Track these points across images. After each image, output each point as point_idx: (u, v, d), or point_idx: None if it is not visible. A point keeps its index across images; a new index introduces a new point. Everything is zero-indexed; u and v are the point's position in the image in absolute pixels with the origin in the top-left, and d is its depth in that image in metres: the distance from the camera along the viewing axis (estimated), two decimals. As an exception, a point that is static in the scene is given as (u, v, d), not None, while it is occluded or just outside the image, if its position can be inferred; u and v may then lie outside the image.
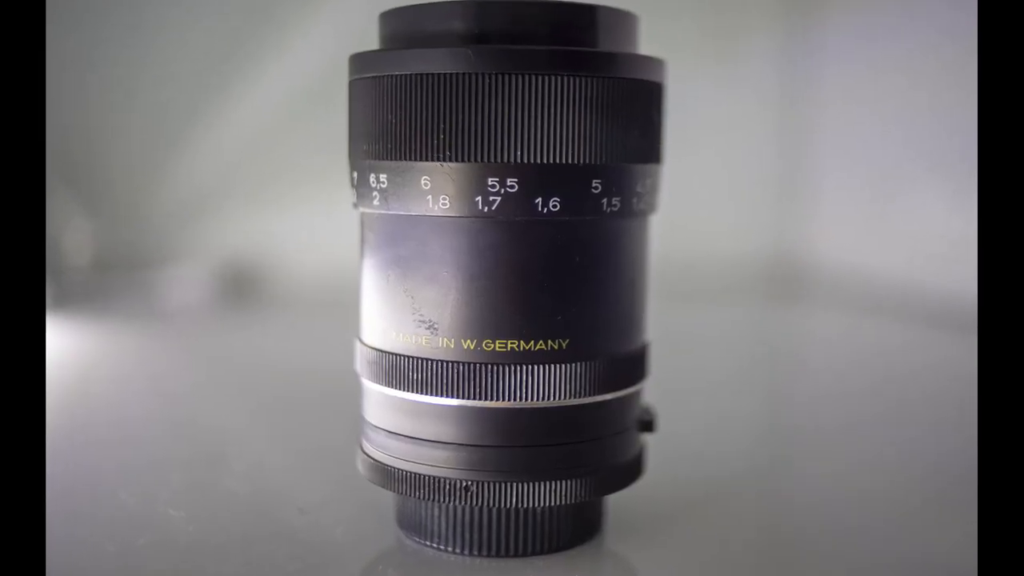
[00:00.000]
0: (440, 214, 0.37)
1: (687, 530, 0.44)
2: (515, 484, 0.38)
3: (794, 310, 1.07)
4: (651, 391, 0.44)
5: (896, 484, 0.51)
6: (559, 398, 0.38)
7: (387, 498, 0.44)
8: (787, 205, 1.19)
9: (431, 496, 0.39)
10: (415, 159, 0.37)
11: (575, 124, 0.37)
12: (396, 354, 0.39)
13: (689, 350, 0.84)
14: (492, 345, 0.38)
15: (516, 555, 0.40)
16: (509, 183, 0.36)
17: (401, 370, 0.39)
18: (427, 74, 0.36)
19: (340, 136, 0.47)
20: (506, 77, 0.36)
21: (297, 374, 0.73)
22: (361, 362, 0.41)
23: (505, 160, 0.36)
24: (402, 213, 0.38)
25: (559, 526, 0.40)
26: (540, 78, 0.36)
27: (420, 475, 0.39)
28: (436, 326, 0.38)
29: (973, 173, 0.83)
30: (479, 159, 0.36)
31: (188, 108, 1.08)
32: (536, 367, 0.38)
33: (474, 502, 0.38)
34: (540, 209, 0.37)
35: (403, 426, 0.39)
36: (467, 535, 0.40)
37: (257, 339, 0.89)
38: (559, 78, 0.36)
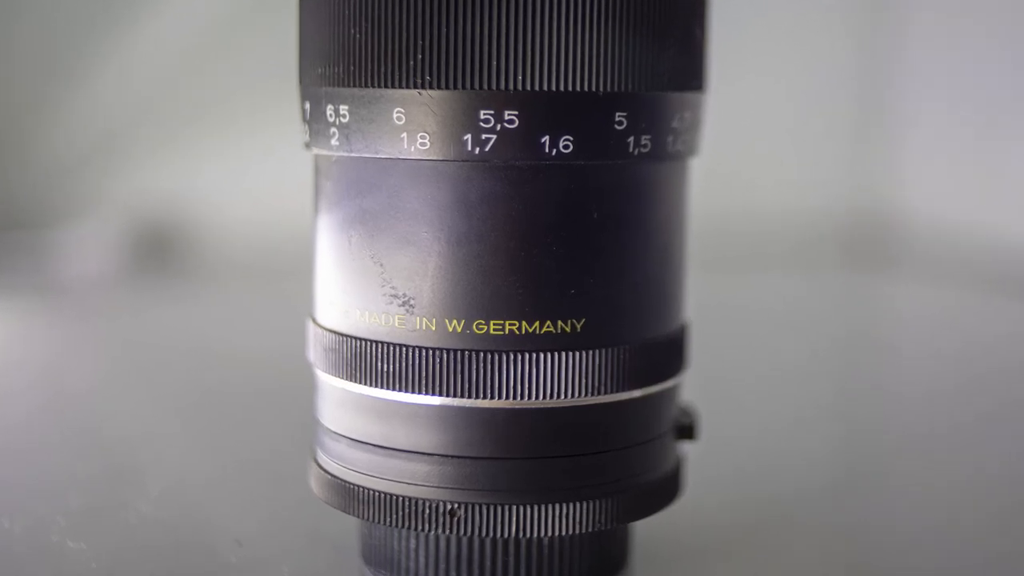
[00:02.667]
0: (418, 157, 0.37)
1: (737, 567, 0.44)
2: (514, 507, 0.38)
3: (877, 281, 1.08)
4: (691, 386, 0.44)
5: (1011, 505, 0.51)
6: (571, 395, 0.38)
7: (349, 525, 0.44)
8: (868, 147, 1.19)
9: (406, 523, 0.39)
10: (386, 85, 0.37)
11: (593, 41, 0.36)
12: (360, 338, 0.39)
13: (741, 333, 0.84)
14: (485, 327, 0.38)
15: (516, 598, 0.40)
16: (507, 117, 0.36)
17: (367, 359, 0.39)
18: (400, -26, 0.36)
19: (288, 57, 0.47)
20: (504, -22, 0.36)
21: (232, 364, 0.73)
22: (315, 349, 0.41)
23: (502, 87, 0.36)
24: (369, 156, 0.38)
25: (571, 561, 0.41)
26: (548, -20, 0.36)
27: (392, 496, 0.39)
28: (412, 302, 0.38)
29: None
30: (469, 85, 0.36)
31: (88, 24, 1.07)
32: (542, 355, 0.38)
33: (461, 530, 0.38)
34: (548, 150, 0.37)
35: (370, 432, 0.39)
36: (452, 572, 0.40)
37: (180, 318, 0.89)
38: (573, -20, 0.36)
